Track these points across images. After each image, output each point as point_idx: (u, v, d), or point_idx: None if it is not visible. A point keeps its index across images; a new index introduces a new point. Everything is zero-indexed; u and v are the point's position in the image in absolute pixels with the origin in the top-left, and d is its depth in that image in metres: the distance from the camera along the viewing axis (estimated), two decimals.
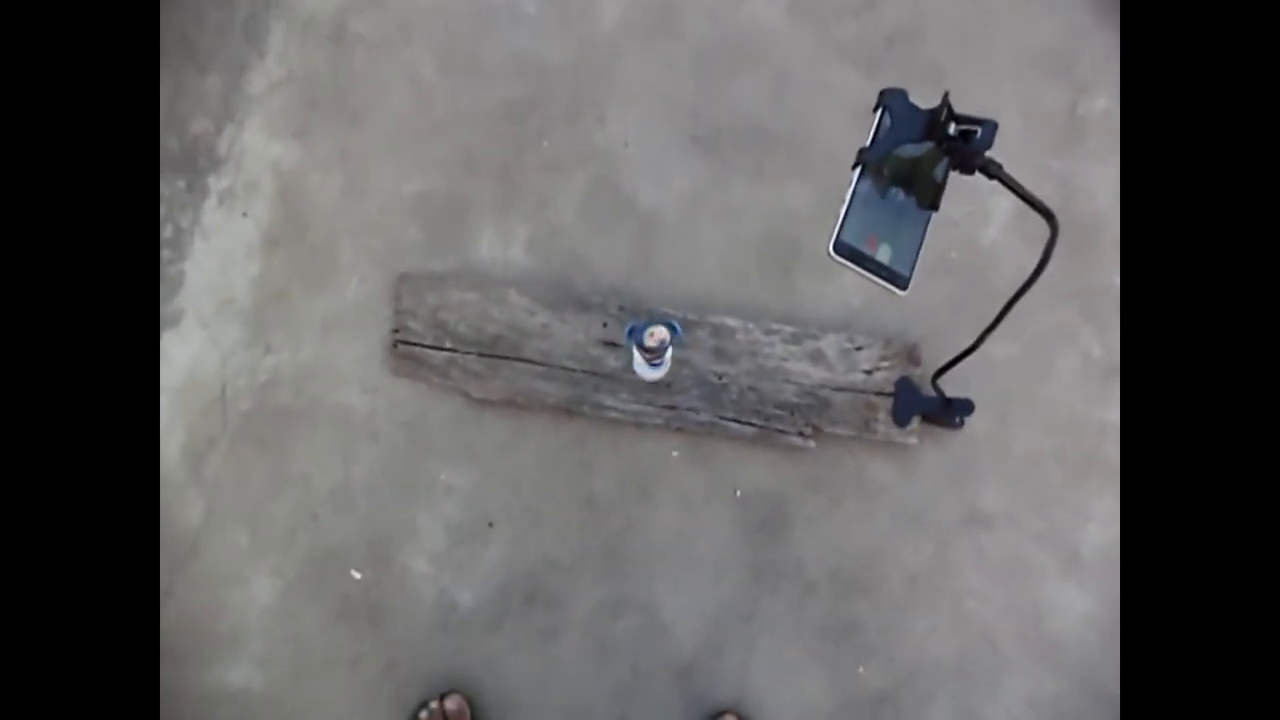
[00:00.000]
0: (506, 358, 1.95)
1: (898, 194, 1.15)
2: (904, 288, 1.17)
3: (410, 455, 1.92)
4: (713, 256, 2.08)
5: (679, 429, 1.93)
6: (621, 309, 1.99)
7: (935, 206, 1.15)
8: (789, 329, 1.98)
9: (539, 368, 1.95)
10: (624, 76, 2.17)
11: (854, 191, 1.13)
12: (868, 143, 1.14)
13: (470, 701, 1.78)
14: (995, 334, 1.47)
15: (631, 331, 1.79)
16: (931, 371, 1.98)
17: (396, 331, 1.98)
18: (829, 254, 1.15)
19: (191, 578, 1.84)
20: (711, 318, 1.99)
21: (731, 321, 1.99)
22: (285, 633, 1.83)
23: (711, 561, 1.88)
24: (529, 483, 1.91)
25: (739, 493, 1.92)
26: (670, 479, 1.93)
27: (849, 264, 1.15)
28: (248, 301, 2.01)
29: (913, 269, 1.16)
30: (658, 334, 1.75)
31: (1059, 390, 2.01)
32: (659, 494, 1.92)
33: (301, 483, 1.90)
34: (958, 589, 1.88)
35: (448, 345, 1.96)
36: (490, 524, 1.88)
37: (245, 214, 2.07)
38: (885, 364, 1.97)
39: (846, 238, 1.13)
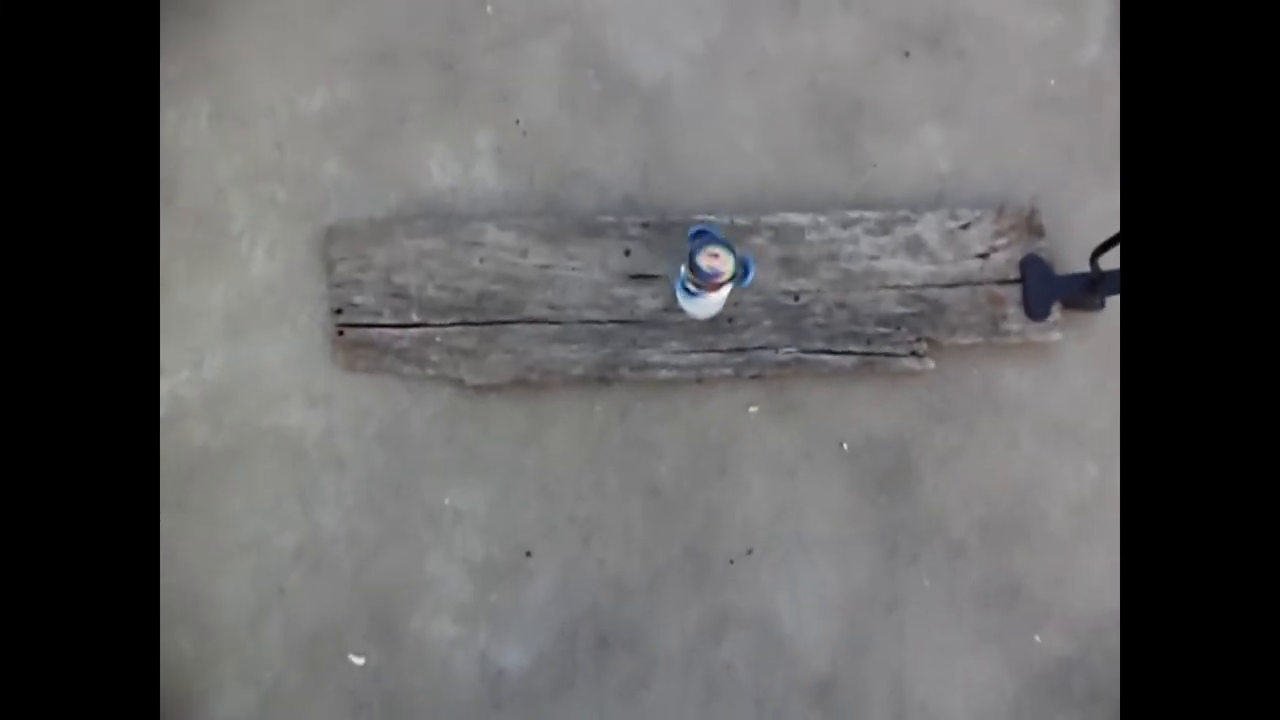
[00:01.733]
0: (503, 321, 1.45)
1: None
2: None
3: (397, 479, 1.44)
4: (751, 134, 1.59)
5: (754, 376, 1.49)
6: (646, 227, 1.50)
7: None
8: (872, 215, 1.53)
9: (550, 327, 1.45)
10: None
11: None
12: None
13: None
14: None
15: (696, 236, 1.29)
16: (1059, 240, 1.58)
17: (339, 312, 1.45)
18: None
19: None
20: (768, 218, 1.52)
21: (796, 218, 1.52)
22: None
23: (829, 540, 1.47)
24: (568, 484, 1.46)
25: (845, 445, 1.50)
26: (754, 443, 1.51)
27: None
28: None
29: None
30: (719, 259, 1.26)
31: None
32: (743, 466, 1.49)
33: (253, 548, 1.42)
34: None
35: (415, 319, 1.44)
36: (528, 552, 1.42)
37: None
38: (1002, 241, 1.54)
39: None
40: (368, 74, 1.57)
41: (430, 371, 1.47)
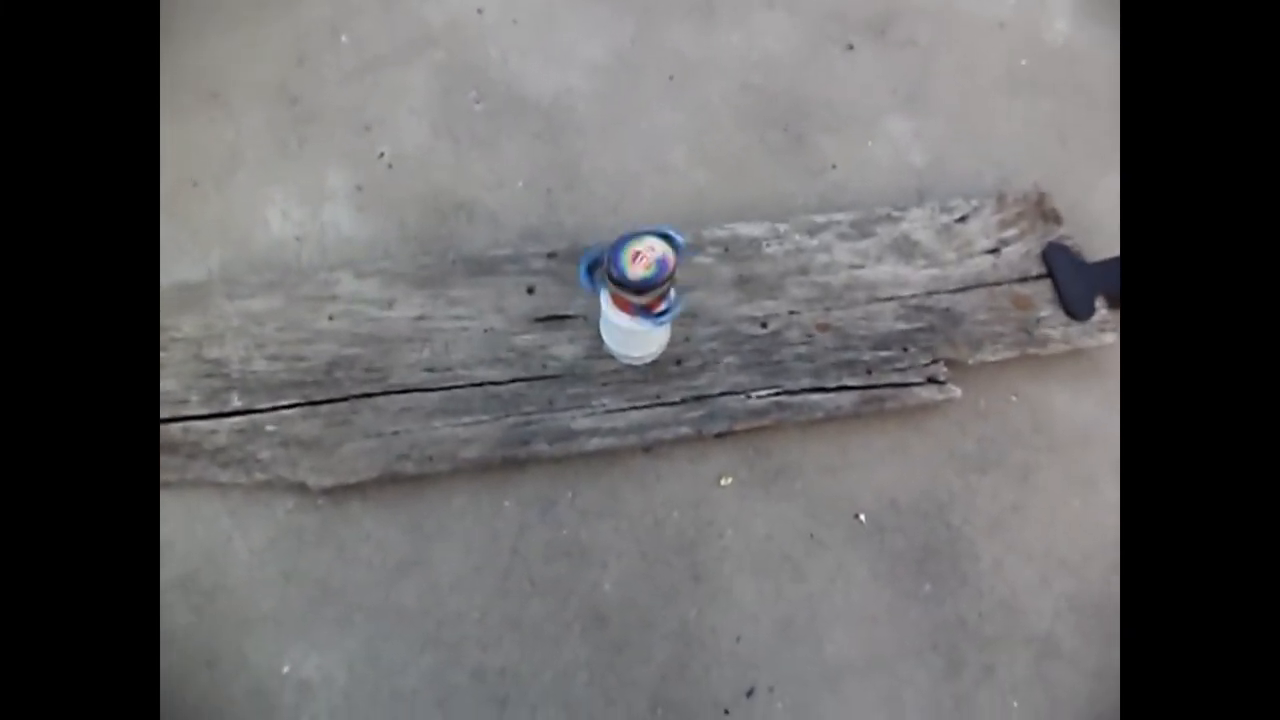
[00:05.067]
0: (362, 395, 1.05)
1: None
2: None
3: (208, 643, 0.98)
4: (679, 145, 1.31)
5: (721, 434, 1.10)
6: (553, 257, 1.15)
7: None
8: (844, 218, 1.22)
9: (430, 395, 1.07)
10: None
11: None
12: None
13: None
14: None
15: (592, 267, 0.96)
16: (1076, 228, 1.25)
17: None
18: None
19: None
20: (713, 232, 1.18)
21: (749, 229, 1.20)
22: None
23: (862, 661, 1.03)
24: (469, 623, 1.00)
25: (862, 517, 1.09)
26: (735, 530, 1.08)
27: None
28: None
29: None
30: (649, 252, 0.93)
31: None
32: (723, 565, 1.06)
33: None
34: None
35: (237, 404, 1.03)
36: None
37: None
38: (1012, 232, 1.22)
39: None
40: (186, 115, 1.27)
41: (260, 476, 1.03)
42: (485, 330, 1.12)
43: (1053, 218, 1.27)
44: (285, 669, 0.99)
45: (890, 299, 1.18)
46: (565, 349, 1.12)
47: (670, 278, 0.99)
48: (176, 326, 1.09)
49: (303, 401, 1.06)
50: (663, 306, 1.03)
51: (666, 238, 0.99)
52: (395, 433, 1.05)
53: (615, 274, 0.96)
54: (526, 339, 1.12)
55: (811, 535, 1.10)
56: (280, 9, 1.35)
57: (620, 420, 1.09)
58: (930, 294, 1.19)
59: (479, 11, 1.38)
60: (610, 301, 1.02)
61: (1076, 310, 1.20)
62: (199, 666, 0.98)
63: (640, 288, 0.98)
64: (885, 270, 1.20)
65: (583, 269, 1.01)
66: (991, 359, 1.17)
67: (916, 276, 1.20)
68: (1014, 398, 1.19)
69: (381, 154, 1.26)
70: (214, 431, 1.04)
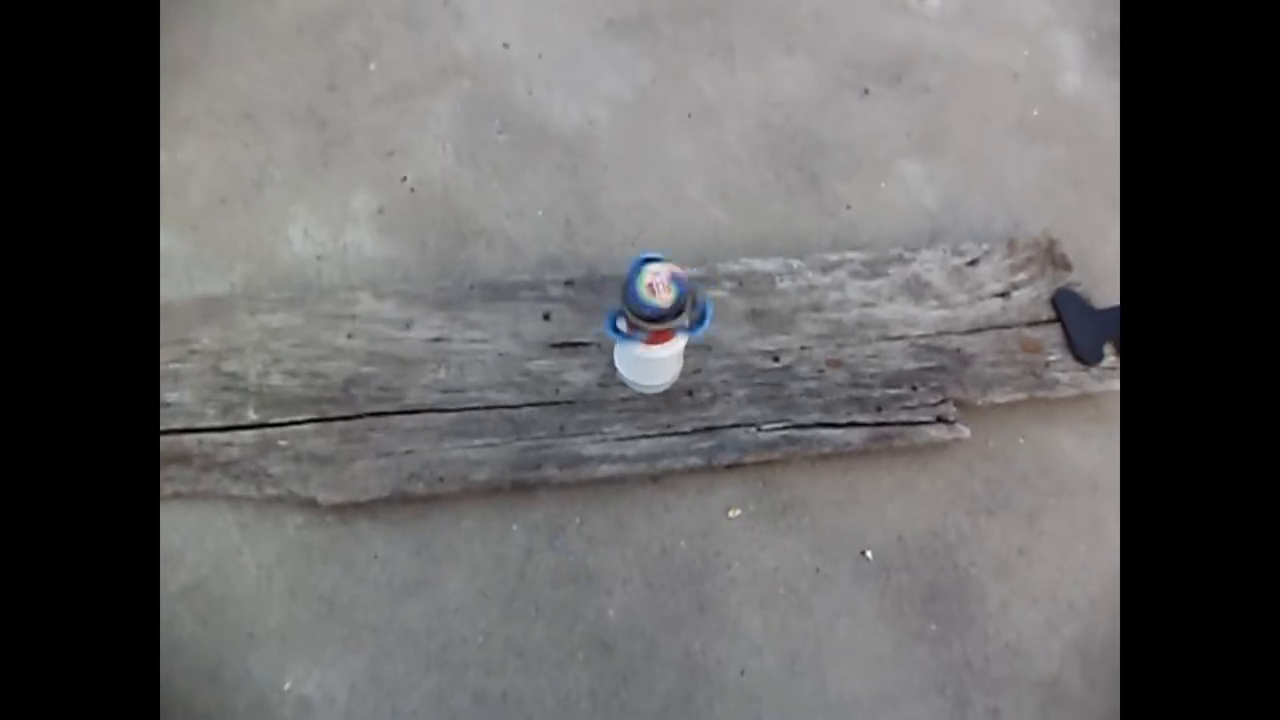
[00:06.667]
0: (376, 414, 1.06)
1: None
2: None
3: (212, 656, 0.99)
4: (696, 180, 1.34)
5: (731, 465, 1.10)
6: (570, 284, 1.17)
7: None
8: (857, 256, 1.24)
9: (443, 416, 1.08)
10: None
11: None
12: None
13: None
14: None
15: (614, 319, 0.98)
16: (1087, 275, 1.28)
17: None
18: None
19: None
20: (728, 266, 1.21)
21: (763, 264, 1.23)
22: None
23: (868, 698, 1.04)
24: (473, 646, 1.00)
25: (869, 553, 1.09)
26: (741, 562, 1.09)
27: None
28: None
29: None
30: (656, 277, 0.95)
31: None
32: (730, 596, 1.07)
33: None
34: None
35: (252, 418, 1.04)
36: None
37: None
38: (1022, 277, 1.24)
39: None
40: (219, 136, 1.30)
41: (271, 491, 1.04)
42: (500, 354, 1.13)
43: (1062, 264, 1.29)
44: (286, 685, 0.99)
45: (901, 338, 1.20)
46: (578, 376, 1.13)
47: (689, 283, 1.01)
48: (197, 339, 1.11)
49: (317, 417, 1.08)
50: (697, 313, 1.04)
51: (654, 260, 1.01)
52: (407, 452, 1.07)
53: (651, 313, 0.97)
54: (541, 364, 1.14)
55: (818, 570, 1.10)
56: (314, 37, 1.40)
57: (630, 448, 1.10)
58: (940, 334, 1.21)
59: (505, 46, 1.42)
60: (648, 340, 1.03)
61: (1085, 355, 1.21)
62: (202, 678, 0.98)
63: (678, 308, 0.99)
64: (896, 309, 1.22)
65: (609, 328, 1.03)
66: (1000, 401, 1.18)
67: (927, 317, 1.22)
68: (1022, 440, 1.20)
69: (405, 179, 1.29)
70: (228, 444, 1.05)
